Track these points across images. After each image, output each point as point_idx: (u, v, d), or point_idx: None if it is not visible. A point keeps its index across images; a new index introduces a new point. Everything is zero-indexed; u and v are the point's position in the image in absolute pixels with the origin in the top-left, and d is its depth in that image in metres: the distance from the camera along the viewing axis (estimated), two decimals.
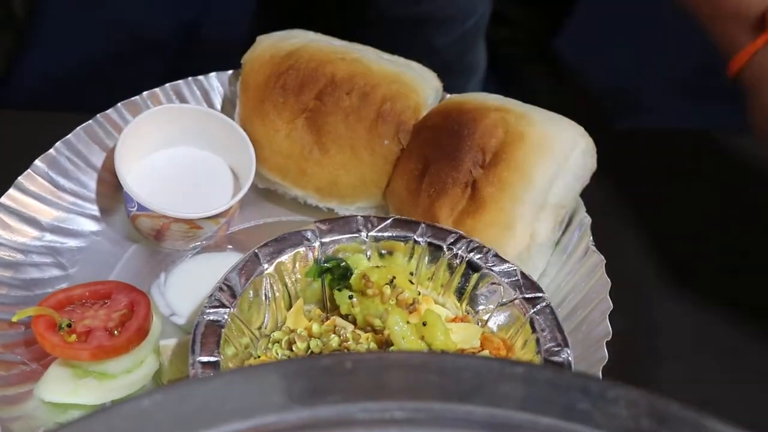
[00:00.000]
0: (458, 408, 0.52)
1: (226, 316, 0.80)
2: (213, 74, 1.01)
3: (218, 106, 1.01)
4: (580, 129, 0.92)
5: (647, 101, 1.84)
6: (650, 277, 0.93)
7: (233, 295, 0.81)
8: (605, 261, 0.87)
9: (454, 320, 0.85)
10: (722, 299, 0.93)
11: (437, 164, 0.90)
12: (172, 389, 0.50)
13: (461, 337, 0.83)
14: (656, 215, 0.98)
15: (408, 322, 0.80)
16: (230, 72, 1.01)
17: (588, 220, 0.91)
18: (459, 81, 1.46)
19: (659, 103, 1.85)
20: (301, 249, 0.85)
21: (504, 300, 0.84)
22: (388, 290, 0.83)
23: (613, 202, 0.98)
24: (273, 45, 0.97)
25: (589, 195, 0.92)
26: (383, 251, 0.87)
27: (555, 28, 1.94)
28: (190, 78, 1.00)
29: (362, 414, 0.52)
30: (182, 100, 1.00)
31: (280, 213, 0.97)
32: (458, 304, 0.86)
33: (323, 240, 0.86)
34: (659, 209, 0.99)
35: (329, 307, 0.86)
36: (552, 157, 0.90)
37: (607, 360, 0.80)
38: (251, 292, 0.82)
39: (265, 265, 0.84)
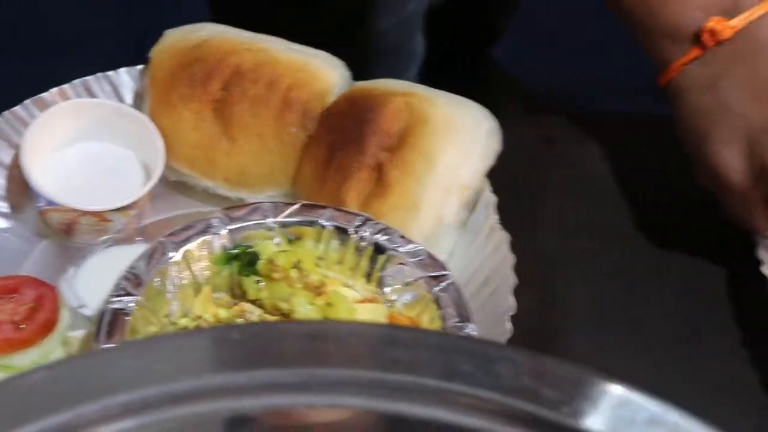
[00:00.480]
0: (345, 373, 0.53)
1: (131, 305, 0.80)
2: (123, 69, 1.01)
3: (129, 101, 1.01)
4: (485, 111, 0.93)
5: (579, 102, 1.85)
6: (556, 254, 0.95)
7: (139, 284, 0.82)
8: (510, 238, 0.89)
9: (362, 302, 0.86)
10: (628, 274, 0.94)
11: (343, 150, 0.91)
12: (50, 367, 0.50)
13: (368, 317, 0.84)
14: (563, 194, 0.99)
15: (313, 304, 0.81)
16: (140, 67, 1.01)
17: (493, 199, 0.92)
18: (400, 67, 1.48)
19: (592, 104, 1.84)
20: (208, 236, 0.86)
21: (409, 279, 0.85)
22: (294, 274, 0.84)
23: (520, 181, 0.99)
24: (181, 38, 0.98)
25: (497, 173, 0.93)
26: (291, 237, 0.88)
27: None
28: (99, 74, 1.01)
29: (248, 381, 0.52)
30: (92, 95, 1.00)
31: (192, 204, 0.98)
32: (367, 286, 0.87)
33: (230, 227, 0.86)
34: (566, 188, 1.00)
35: (238, 294, 0.87)
36: (456, 138, 0.91)
37: (511, 333, 0.81)
38: (157, 280, 0.83)
39: (172, 253, 0.84)
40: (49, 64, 1.75)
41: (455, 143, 0.90)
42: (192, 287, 0.85)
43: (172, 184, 0.98)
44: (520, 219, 0.94)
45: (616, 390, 0.50)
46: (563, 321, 0.91)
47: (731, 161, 0.88)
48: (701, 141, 0.90)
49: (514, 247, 0.89)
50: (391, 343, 0.54)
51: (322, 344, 0.54)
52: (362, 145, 0.91)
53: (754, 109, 0.87)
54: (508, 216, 0.92)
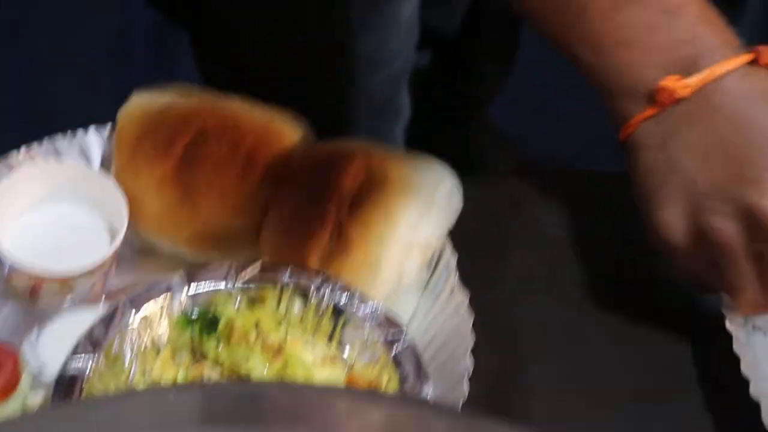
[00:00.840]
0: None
1: (88, 368, 0.81)
2: (91, 128, 1.02)
3: (97, 161, 1.02)
4: (446, 170, 0.94)
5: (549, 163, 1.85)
6: (518, 314, 0.95)
7: (96, 346, 0.82)
8: (469, 297, 0.89)
9: (322, 363, 0.86)
10: (590, 334, 0.94)
11: (304, 209, 0.92)
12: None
13: (326, 378, 0.84)
14: (527, 255, 1.00)
15: (270, 366, 0.81)
16: (108, 125, 1.02)
17: (454, 258, 0.92)
18: (386, 125, 1.49)
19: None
20: (168, 298, 0.86)
21: (368, 340, 0.85)
22: (253, 335, 0.84)
23: (484, 241, 1.00)
24: (147, 100, 0.99)
25: (461, 233, 0.94)
26: (253, 298, 0.88)
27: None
28: (68, 132, 1.01)
29: None
30: (59, 155, 1.00)
31: (159, 268, 0.98)
32: (327, 347, 0.87)
33: (190, 289, 0.87)
34: (530, 249, 1.00)
35: (199, 355, 0.87)
36: (416, 197, 0.91)
37: (467, 395, 0.82)
38: (116, 342, 0.83)
39: (131, 316, 0.85)
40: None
41: (415, 202, 0.91)
42: (152, 349, 0.86)
43: (139, 248, 0.98)
44: (482, 279, 0.95)
45: None
46: (523, 381, 0.91)
47: (675, 221, 0.89)
48: (650, 198, 0.90)
49: (476, 306, 0.90)
50: None
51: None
52: (323, 204, 0.91)
53: (700, 171, 0.87)
54: (470, 276, 0.93)
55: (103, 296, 0.95)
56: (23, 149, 0.99)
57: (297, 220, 0.92)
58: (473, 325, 0.89)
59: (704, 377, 0.92)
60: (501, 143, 1.82)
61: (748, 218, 0.86)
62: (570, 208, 1.03)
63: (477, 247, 0.98)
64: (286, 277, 0.88)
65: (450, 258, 0.93)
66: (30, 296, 0.93)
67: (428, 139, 1.60)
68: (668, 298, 0.97)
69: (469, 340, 0.86)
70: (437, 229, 0.92)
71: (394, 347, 0.84)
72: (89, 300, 0.94)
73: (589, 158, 1.81)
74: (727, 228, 0.87)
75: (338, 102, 1.30)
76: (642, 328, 0.94)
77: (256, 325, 0.85)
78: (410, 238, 0.90)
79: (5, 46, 1.56)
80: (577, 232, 1.01)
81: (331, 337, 0.87)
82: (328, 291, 0.87)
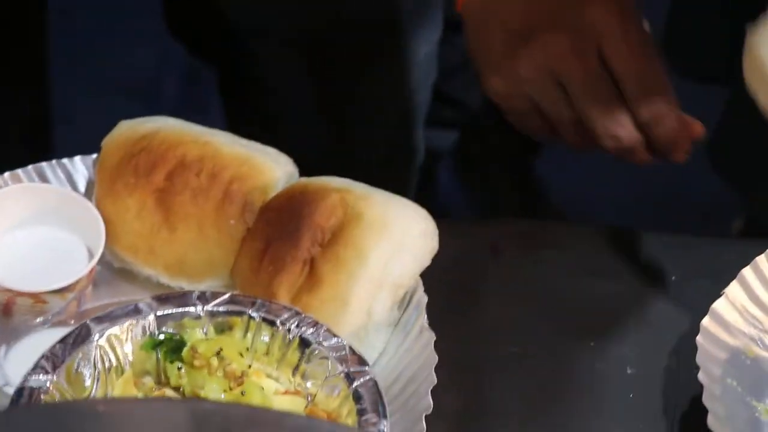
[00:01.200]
0: None
1: (48, 384, 0.81)
2: (77, 157, 1.03)
3: (82, 188, 1.03)
4: (422, 212, 0.95)
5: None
6: (486, 358, 0.95)
7: (58, 364, 0.83)
8: (435, 338, 0.90)
9: (284, 393, 0.86)
10: (558, 381, 0.94)
11: (278, 243, 0.93)
12: None
13: (287, 408, 0.84)
14: (502, 301, 1.00)
15: (228, 393, 0.82)
16: (95, 155, 1.03)
17: (425, 299, 0.93)
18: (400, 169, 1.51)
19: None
20: (134, 321, 0.87)
21: (331, 374, 0.86)
22: (215, 362, 0.85)
23: (461, 285, 1.00)
24: (131, 128, 1.00)
25: (438, 276, 0.95)
26: (221, 326, 0.89)
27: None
28: (54, 160, 1.03)
29: None
30: (45, 181, 1.02)
31: (134, 292, 0.99)
32: (291, 378, 0.88)
33: (158, 313, 0.88)
34: (506, 295, 1.01)
35: (164, 380, 0.87)
36: (389, 237, 0.92)
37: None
38: (78, 361, 0.84)
39: (96, 336, 0.85)
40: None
41: (388, 241, 0.92)
42: (115, 370, 0.86)
43: (116, 271, 0.99)
44: (454, 321, 0.95)
45: None
46: (485, 425, 0.91)
47: (497, 81, 0.95)
48: (475, 56, 0.96)
49: (445, 349, 0.90)
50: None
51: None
52: (296, 239, 0.92)
53: (515, 15, 0.94)
54: (443, 318, 0.93)
55: (78, 316, 0.95)
56: (8, 174, 1.00)
57: (269, 254, 0.93)
58: (439, 365, 0.89)
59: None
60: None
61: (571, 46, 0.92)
62: (552, 257, 1.04)
63: (453, 290, 0.99)
64: (255, 308, 0.89)
65: (421, 298, 0.93)
66: (3, 312, 0.94)
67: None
68: (641, 354, 0.97)
69: (431, 379, 0.87)
70: (409, 269, 0.93)
71: (355, 381, 0.84)
72: (62, 319, 0.95)
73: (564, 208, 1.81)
74: (538, 77, 0.93)
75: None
76: (610, 383, 0.94)
77: (219, 352, 0.85)
78: (381, 276, 0.91)
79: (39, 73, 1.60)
80: (557, 279, 1.02)
81: (295, 370, 0.88)
82: (295, 324, 0.88)
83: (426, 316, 0.92)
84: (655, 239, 1.04)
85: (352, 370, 0.85)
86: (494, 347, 0.96)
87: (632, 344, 0.97)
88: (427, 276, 0.95)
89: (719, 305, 0.93)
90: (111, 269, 0.99)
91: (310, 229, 0.92)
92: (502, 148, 1.87)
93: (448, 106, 1.80)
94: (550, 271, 1.03)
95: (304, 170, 1.00)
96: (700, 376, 0.89)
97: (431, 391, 0.87)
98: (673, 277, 1.02)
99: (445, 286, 0.97)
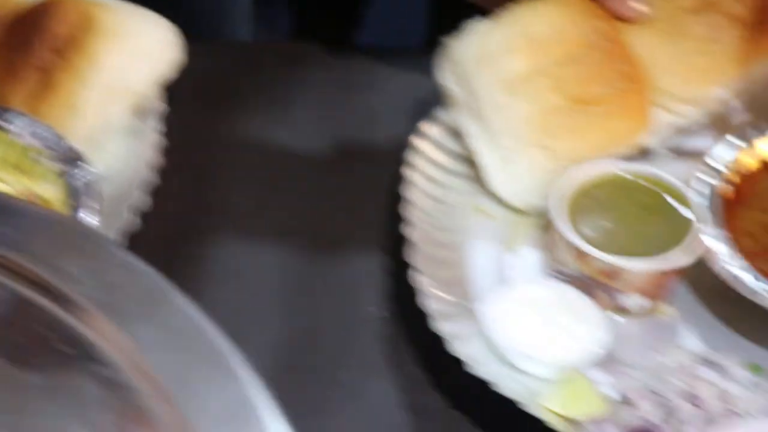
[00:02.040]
0: None
1: None
2: None
3: None
4: (163, 21, 0.95)
5: None
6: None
7: None
8: (166, 144, 0.92)
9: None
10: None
11: (13, 51, 0.93)
12: None
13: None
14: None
15: None
16: None
17: (161, 107, 0.94)
18: None
19: None
20: None
21: (51, 171, 0.87)
22: None
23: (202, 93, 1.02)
24: None
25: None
26: None
27: None
28: None
29: None
30: None
31: None
32: (22, 180, 0.89)
33: None
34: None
35: None
36: (124, 44, 0.92)
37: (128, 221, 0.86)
38: None
39: None
40: None
41: (123, 47, 0.92)
42: None
43: None
44: (193, 133, 0.97)
45: None
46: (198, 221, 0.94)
47: None
48: None
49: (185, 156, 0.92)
50: None
51: None
52: (30, 46, 0.92)
53: None
54: (185, 128, 0.95)
55: None
56: None
57: (5, 62, 0.93)
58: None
59: None
60: None
61: None
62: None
63: (203, 104, 1.01)
64: None
65: (159, 107, 0.94)
66: None
67: None
68: None
69: (148, 177, 0.89)
70: (145, 77, 0.93)
71: (72, 177, 0.86)
72: None
73: None
74: None
75: None
76: None
77: None
78: (115, 83, 0.92)
79: None
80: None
81: (25, 174, 0.89)
82: (27, 131, 0.89)
83: (161, 124, 0.93)
84: None
85: (70, 166, 0.87)
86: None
87: None
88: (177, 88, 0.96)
89: None
90: None
91: (44, 37, 0.92)
92: None
93: None
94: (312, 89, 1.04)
95: None
96: None
97: None
98: None
99: (194, 99, 0.99)
